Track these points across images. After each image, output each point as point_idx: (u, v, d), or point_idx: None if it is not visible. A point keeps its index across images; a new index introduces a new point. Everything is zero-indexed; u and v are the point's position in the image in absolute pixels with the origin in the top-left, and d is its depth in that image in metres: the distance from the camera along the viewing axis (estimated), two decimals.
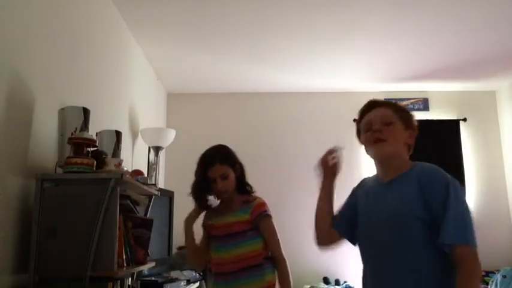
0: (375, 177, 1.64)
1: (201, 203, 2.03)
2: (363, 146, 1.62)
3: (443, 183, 1.42)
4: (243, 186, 2.06)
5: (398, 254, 1.44)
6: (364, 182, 1.70)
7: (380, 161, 1.59)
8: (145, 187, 2.25)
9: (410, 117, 1.60)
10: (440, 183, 1.43)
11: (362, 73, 4.25)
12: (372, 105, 1.61)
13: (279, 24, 3.25)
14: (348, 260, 4.14)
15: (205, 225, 2.07)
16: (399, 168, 1.53)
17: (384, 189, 1.56)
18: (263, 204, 2.03)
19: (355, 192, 1.70)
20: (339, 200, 1.70)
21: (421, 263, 1.40)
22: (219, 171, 1.96)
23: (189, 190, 2.03)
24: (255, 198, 2.05)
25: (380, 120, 1.55)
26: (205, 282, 3.46)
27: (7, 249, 1.64)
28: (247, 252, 1.96)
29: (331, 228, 1.65)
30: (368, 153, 1.60)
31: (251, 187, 2.08)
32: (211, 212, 2.07)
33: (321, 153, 1.71)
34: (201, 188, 2.00)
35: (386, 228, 1.48)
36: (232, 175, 1.99)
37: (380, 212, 1.52)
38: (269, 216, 2.02)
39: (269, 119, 4.70)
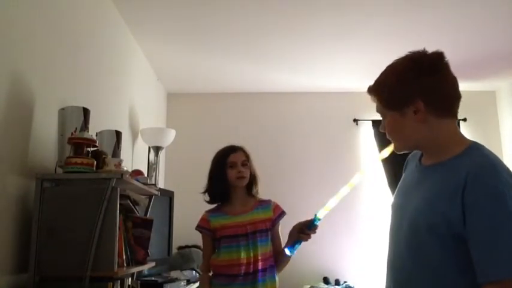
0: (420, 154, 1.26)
1: (218, 195, 2.02)
2: None
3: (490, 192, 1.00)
4: (251, 189, 2.07)
5: (415, 277, 1.11)
6: (415, 154, 1.31)
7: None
8: (145, 187, 2.25)
9: (394, 90, 1.14)
10: (486, 192, 1.00)
11: (362, 73, 4.25)
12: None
13: (279, 25, 3.25)
14: (348, 260, 4.14)
15: (211, 228, 1.98)
16: (443, 153, 1.14)
17: (422, 175, 1.19)
18: (279, 205, 2.08)
19: (405, 166, 1.35)
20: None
21: None
22: (241, 157, 2.03)
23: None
24: (269, 200, 2.08)
25: (380, 115, 1.23)
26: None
27: (7, 249, 1.64)
28: (268, 252, 1.97)
29: None
30: None
31: (257, 192, 2.10)
32: (214, 213, 2.03)
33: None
34: (220, 174, 1.99)
35: (404, 240, 1.14)
36: (249, 169, 2.03)
37: (405, 212, 1.16)
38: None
39: (269, 119, 4.69)
